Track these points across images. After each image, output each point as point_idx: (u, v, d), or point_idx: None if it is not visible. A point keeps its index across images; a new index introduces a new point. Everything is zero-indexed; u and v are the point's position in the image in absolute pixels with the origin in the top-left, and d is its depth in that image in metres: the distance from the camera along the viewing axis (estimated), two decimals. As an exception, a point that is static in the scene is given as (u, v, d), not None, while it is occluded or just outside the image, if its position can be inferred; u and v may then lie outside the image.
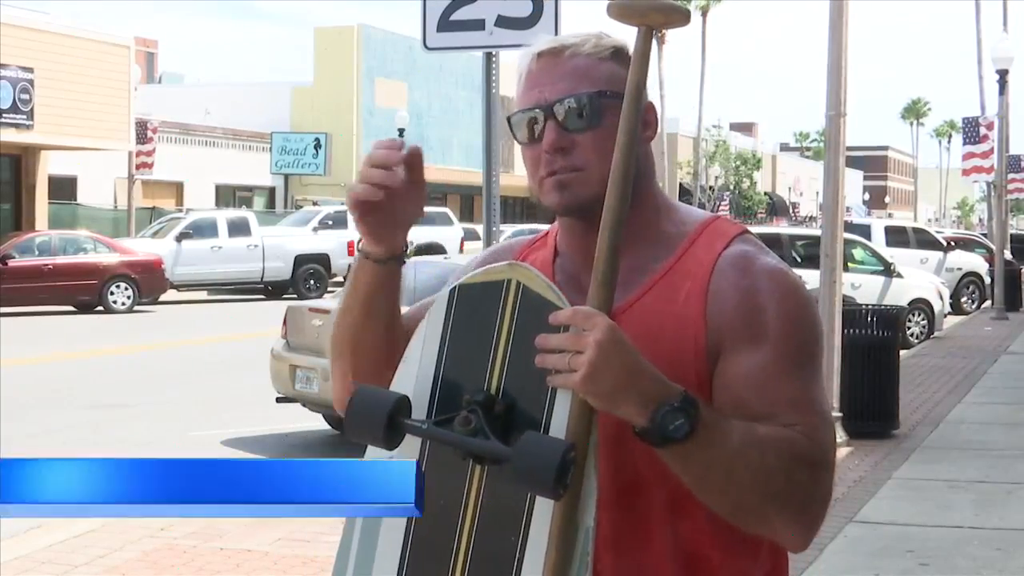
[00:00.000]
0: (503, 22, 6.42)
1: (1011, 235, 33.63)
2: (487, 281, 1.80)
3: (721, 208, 61.56)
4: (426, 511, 1.69)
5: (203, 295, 28.59)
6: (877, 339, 10.38)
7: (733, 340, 1.77)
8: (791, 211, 79.26)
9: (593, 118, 1.82)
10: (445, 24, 6.56)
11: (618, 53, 1.87)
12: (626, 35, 1.87)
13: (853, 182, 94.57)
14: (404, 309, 1.97)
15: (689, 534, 1.78)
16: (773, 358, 1.76)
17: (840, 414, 9.84)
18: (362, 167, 1.79)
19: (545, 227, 2.10)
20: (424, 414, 1.76)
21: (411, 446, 1.74)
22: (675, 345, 1.77)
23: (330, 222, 31.18)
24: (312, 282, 28.65)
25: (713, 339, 1.78)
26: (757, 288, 1.80)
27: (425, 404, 1.77)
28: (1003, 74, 24.81)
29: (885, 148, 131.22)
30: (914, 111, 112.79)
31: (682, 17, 1.77)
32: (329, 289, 27.89)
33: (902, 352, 12.54)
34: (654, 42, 1.81)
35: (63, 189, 35.33)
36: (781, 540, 1.78)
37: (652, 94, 1.87)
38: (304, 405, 10.23)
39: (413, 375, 1.80)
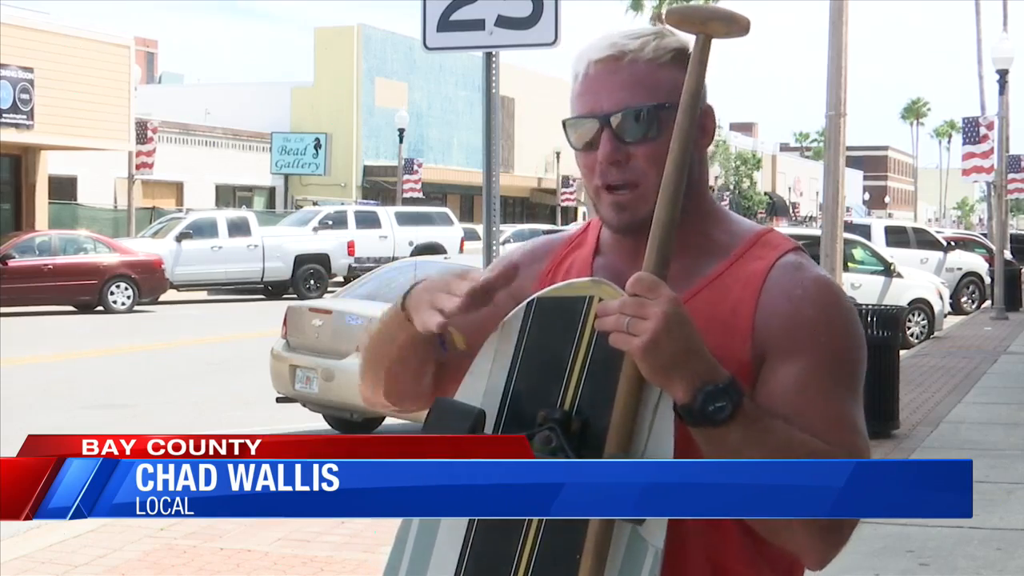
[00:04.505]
0: (503, 22, 6.41)
1: (1011, 235, 33.65)
2: (569, 296, 1.76)
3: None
4: (487, 522, 1.67)
5: (203, 295, 28.59)
6: (877, 339, 10.37)
7: (776, 350, 1.75)
8: (791, 211, 79.26)
9: (651, 130, 1.78)
10: (445, 24, 6.55)
11: (679, 56, 1.81)
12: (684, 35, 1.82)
13: (853, 182, 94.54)
14: None
15: (719, 546, 1.76)
16: (814, 374, 1.73)
17: (840, 414, 9.83)
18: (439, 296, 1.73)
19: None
20: (491, 428, 1.73)
21: None
22: (722, 353, 1.72)
23: (330, 222, 31.20)
24: (312, 282, 28.64)
25: (758, 349, 1.76)
26: (807, 299, 1.77)
27: (492, 417, 1.74)
28: (1003, 74, 24.79)
29: (885, 148, 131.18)
30: (914, 111, 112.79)
31: (742, 27, 1.72)
32: (329, 289, 27.88)
33: (902, 352, 12.54)
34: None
35: (63, 189, 35.33)
36: (800, 553, 1.74)
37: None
38: (304, 405, 10.23)
39: (481, 389, 1.77)
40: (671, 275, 1.71)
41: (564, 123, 1.84)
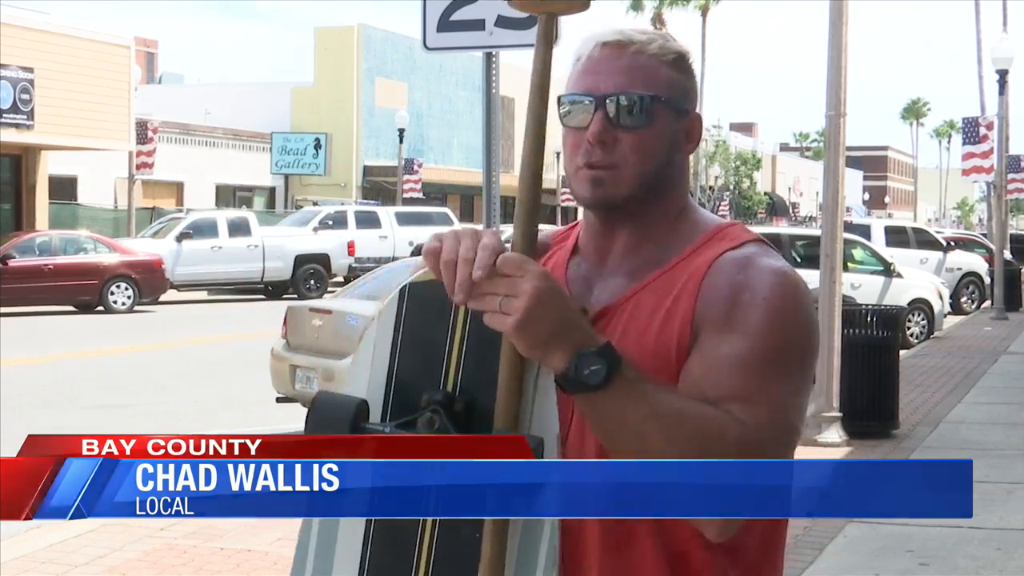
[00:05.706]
0: (503, 22, 6.41)
1: (1011, 235, 33.66)
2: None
3: (721, 208, 61.61)
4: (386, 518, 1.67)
5: (203, 295, 28.59)
6: (877, 339, 10.38)
7: (709, 329, 1.74)
8: (791, 211, 79.25)
9: (642, 119, 1.80)
10: (445, 24, 6.55)
11: (680, 60, 1.86)
12: (688, 42, 1.88)
13: (853, 182, 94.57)
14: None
15: (673, 532, 1.75)
16: (742, 349, 1.70)
17: (840, 414, 9.84)
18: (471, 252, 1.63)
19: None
20: (379, 416, 1.74)
21: None
22: (660, 339, 1.74)
23: (330, 222, 31.20)
24: (312, 282, 28.64)
25: (695, 332, 1.75)
26: (749, 283, 1.76)
27: (379, 406, 1.75)
28: (1003, 74, 24.80)
29: (885, 148, 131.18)
30: (914, 111, 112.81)
31: (582, 3, 1.77)
32: (329, 289, 27.87)
33: (902, 352, 12.54)
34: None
35: (63, 189, 35.34)
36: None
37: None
38: (304, 405, 10.23)
39: (365, 378, 1.77)
40: (631, 268, 1.79)
41: (559, 98, 1.85)
